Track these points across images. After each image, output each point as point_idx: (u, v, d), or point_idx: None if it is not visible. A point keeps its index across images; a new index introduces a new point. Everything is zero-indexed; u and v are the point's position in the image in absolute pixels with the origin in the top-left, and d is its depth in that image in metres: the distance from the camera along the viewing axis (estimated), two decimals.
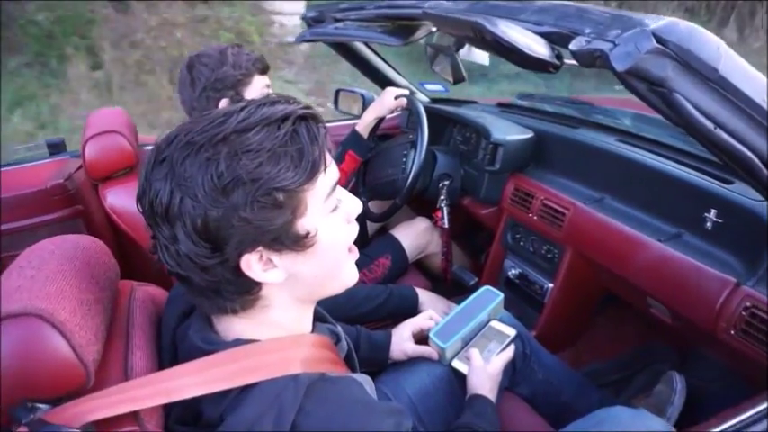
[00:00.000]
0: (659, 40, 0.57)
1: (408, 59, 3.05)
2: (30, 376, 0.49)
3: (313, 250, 0.62)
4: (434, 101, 2.07)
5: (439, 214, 1.69)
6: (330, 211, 0.63)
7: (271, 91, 1.38)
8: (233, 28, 5.24)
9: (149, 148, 1.58)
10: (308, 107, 0.59)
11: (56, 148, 1.62)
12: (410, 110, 1.71)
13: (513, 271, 1.59)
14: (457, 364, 1.08)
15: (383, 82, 1.96)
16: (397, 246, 1.69)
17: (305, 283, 0.64)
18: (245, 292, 0.61)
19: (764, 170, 0.61)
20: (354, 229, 0.68)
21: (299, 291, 0.65)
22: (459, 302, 1.17)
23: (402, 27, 1.29)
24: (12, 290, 0.53)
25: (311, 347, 0.67)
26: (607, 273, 1.31)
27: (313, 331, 0.73)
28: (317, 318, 0.81)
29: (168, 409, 0.60)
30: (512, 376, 1.16)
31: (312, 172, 0.58)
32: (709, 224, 1.12)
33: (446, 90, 2.00)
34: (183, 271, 0.57)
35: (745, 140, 0.60)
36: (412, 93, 1.86)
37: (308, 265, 0.62)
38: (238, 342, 0.63)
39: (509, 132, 1.55)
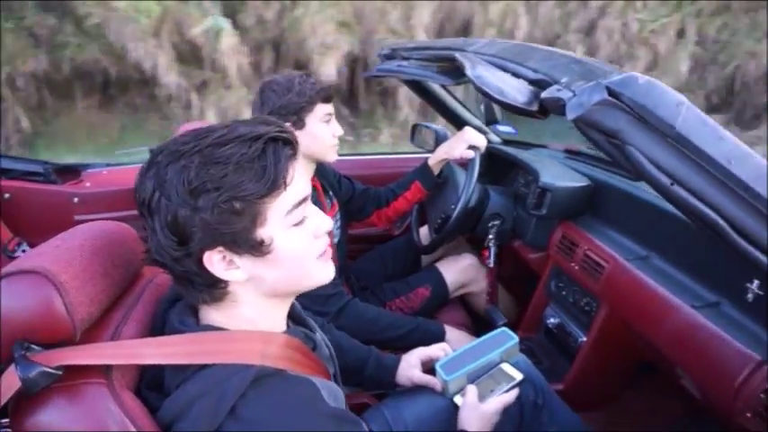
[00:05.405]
0: (612, 93, 0.58)
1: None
2: (29, 321, 0.61)
3: (273, 257, 0.67)
4: (505, 142, 2.09)
5: (486, 253, 1.69)
6: (293, 225, 0.68)
7: (333, 119, 1.42)
8: None
9: None
10: (282, 130, 0.66)
11: None
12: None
13: (553, 320, 1.54)
14: (458, 399, 1.07)
15: (455, 121, 2.01)
16: (439, 278, 1.70)
17: (269, 284, 0.70)
18: (212, 286, 0.68)
19: (728, 229, 0.58)
20: (323, 242, 0.73)
21: (265, 289, 0.71)
22: None
23: (455, 67, 1.36)
24: (36, 254, 0.67)
25: (276, 345, 0.72)
26: (640, 337, 1.24)
27: (286, 332, 0.78)
28: (295, 320, 0.86)
29: (142, 373, 0.70)
30: (518, 425, 1.12)
31: (272, 187, 0.64)
32: (750, 295, 1.03)
33: (516, 132, 2.01)
34: (160, 258, 0.66)
35: (705, 198, 0.58)
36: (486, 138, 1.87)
37: (269, 269, 0.68)
38: (207, 328, 0.70)
39: (562, 178, 1.53)
